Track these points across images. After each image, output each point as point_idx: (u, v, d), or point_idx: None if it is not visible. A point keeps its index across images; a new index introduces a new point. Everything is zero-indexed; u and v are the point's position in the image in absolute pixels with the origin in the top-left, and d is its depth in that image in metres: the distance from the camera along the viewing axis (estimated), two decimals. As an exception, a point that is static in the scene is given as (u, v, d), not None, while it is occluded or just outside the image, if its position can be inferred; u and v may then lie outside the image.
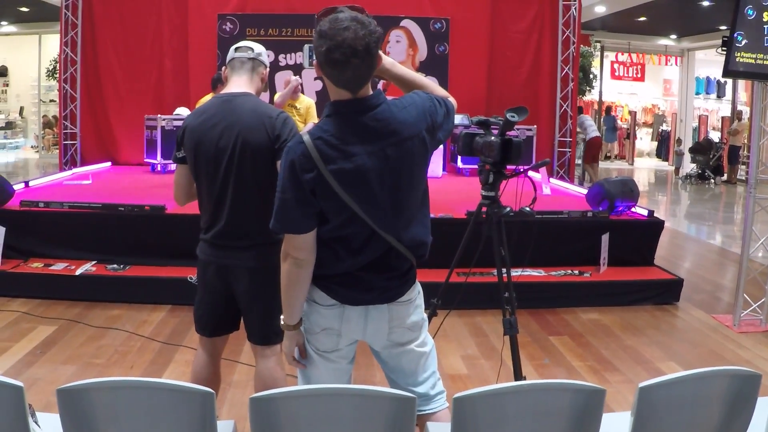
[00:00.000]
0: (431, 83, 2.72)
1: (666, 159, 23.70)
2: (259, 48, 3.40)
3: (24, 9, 18.42)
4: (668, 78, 25.39)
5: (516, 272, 6.59)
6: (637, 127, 24.82)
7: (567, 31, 12.11)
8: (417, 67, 11.86)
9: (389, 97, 2.50)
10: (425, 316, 2.74)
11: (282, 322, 2.59)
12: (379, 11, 11.70)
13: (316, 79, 10.86)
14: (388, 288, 2.56)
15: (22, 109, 22.17)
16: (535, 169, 3.78)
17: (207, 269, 3.34)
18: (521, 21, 12.19)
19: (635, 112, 24.34)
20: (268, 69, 3.43)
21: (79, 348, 5.33)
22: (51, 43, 20.63)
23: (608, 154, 23.67)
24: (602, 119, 22.65)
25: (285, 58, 11.75)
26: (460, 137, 4.04)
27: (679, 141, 21.36)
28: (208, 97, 7.17)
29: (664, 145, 24.07)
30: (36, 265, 6.66)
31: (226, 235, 3.24)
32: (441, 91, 2.69)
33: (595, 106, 22.74)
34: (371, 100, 2.41)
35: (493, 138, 3.82)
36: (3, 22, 21.29)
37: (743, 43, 5.74)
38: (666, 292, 6.84)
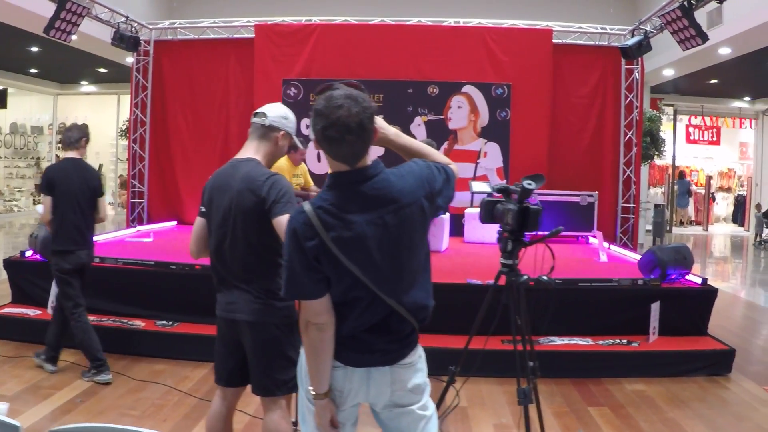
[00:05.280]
0: (434, 152, 2.80)
1: (742, 224, 23.11)
2: (277, 112, 3.57)
3: (102, 70, 19.29)
4: (744, 141, 24.77)
5: (564, 341, 6.55)
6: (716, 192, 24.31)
7: (630, 96, 11.97)
8: (479, 132, 11.90)
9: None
10: (428, 380, 2.75)
11: (312, 393, 2.60)
12: (441, 77, 11.87)
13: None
14: (389, 351, 2.60)
15: (101, 166, 22.82)
16: (551, 237, 3.77)
17: (220, 322, 3.57)
18: (583, 86, 12.05)
19: (710, 177, 23.84)
20: (288, 130, 3.57)
21: (118, 399, 5.52)
22: (128, 104, 21.45)
23: (681, 220, 23.17)
24: (675, 183, 22.27)
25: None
26: (482, 204, 4.07)
27: (758, 206, 20.74)
28: (282, 161, 7.10)
29: (740, 210, 23.49)
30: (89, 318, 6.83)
31: (228, 291, 3.47)
32: (443, 159, 2.76)
33: (669, 171, 22.37)
34: (369, 170, 2.49)
35: (511, 205, 3.84)
36: (83, 82, 22.33)
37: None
38: (717, 362, 6.60)
